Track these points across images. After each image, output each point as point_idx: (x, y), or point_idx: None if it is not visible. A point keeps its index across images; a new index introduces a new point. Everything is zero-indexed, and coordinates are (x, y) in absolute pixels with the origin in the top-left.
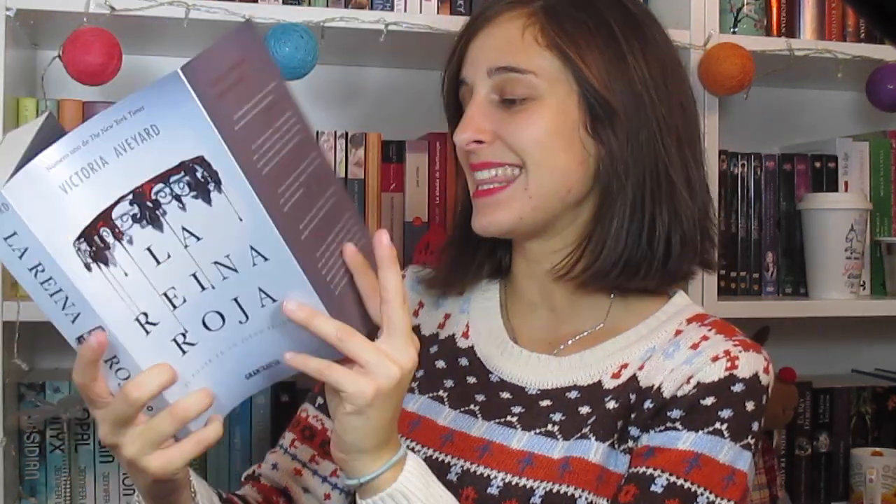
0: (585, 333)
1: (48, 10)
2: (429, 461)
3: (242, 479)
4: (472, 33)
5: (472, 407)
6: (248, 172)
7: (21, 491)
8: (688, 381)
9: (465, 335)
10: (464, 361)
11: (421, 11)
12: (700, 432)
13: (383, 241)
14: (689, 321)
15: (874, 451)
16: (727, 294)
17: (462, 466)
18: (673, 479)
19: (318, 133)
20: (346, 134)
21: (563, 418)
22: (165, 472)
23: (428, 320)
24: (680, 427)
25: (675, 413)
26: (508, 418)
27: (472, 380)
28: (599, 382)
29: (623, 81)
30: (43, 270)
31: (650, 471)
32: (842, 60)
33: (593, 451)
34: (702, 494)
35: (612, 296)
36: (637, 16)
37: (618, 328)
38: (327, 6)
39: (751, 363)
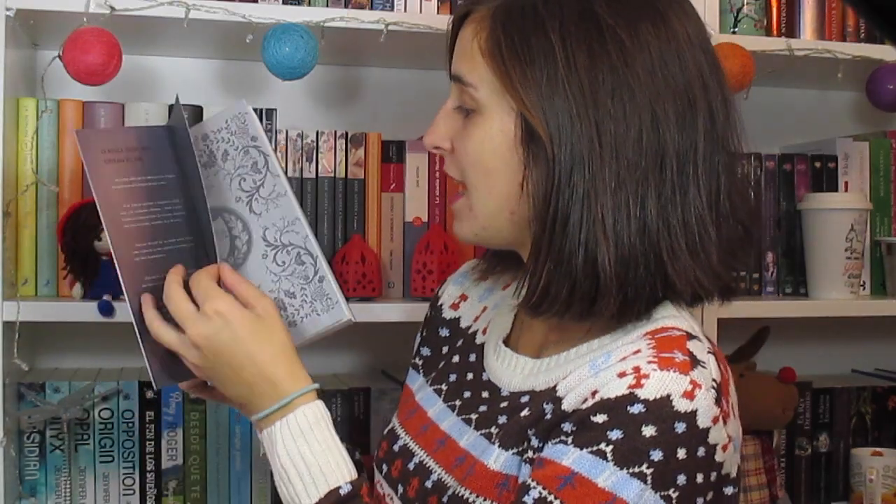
0: (567, 340)
1: (48, 10)
2: (403, 449)
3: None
4: (456, 32)
5: (455, 402)
6: (110, 220)
7: (21, 491)
8: (592, 395)
9: (484, 331)
10: (472, 357)
11: (421, 11)
12: (584, 450)
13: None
14: (647, 334)
15: (874, 451)
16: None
17: (420, 457)
18: (545, 493)
19: (318, 133)
20: (346, 134)
21: (506, 422)
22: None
23: (467, 312)
24: (569, 442)
25: (567, 427)
26: (471, 415)
27: (469, 376)
28: (554, 388)
29: (559, 101)
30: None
31: (529, 481)
32: (842, 60)
33: (493, 458)
34: None
35: None
36: (601, 21)
37: (589, 336)
38: (327, 6)
39: (664, 384)
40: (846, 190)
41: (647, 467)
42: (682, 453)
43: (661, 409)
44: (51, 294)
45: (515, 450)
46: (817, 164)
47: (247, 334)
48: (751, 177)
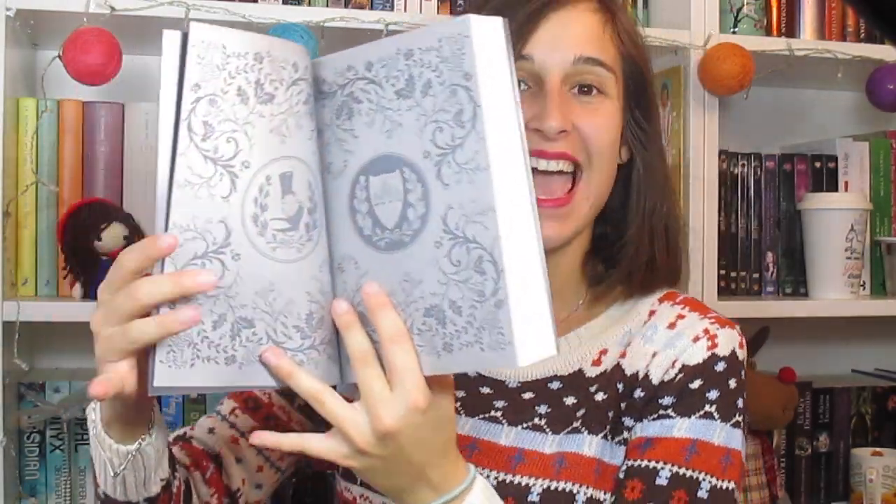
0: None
1: (48, 10)
2: None
3: (171, 439)
4: (547, 11)
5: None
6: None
7: (21, 491)
8: (672, 365)
9: None
10: None
11: (421, 11)
12: (692, 417)
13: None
14: (661, 300)
15: (874, 451)
16: (727, 294)
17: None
18: (675, 469)
19: None
20: None
21: (549, 410)
22: (111, 345)
23: None
24: (673, 414)
25: (667, 400)
26: (493, 413)
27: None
28: (580, 371)
29: (651, 91)
30: None
31: (652, 463)
32: (842, 60)
33: (587, 444)
34: (704, 480)
35: (588, 284)
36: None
37: (591, 313)
38: (327, 6)
39: (729, 340)
40: (846, 190)
41: (738, 414)
42: (743, 394)
43: (734, 362)
44: (51, 294)
45: (601, 434)
46: (817, 164)
47: (429, 432)
48: (751, 177)
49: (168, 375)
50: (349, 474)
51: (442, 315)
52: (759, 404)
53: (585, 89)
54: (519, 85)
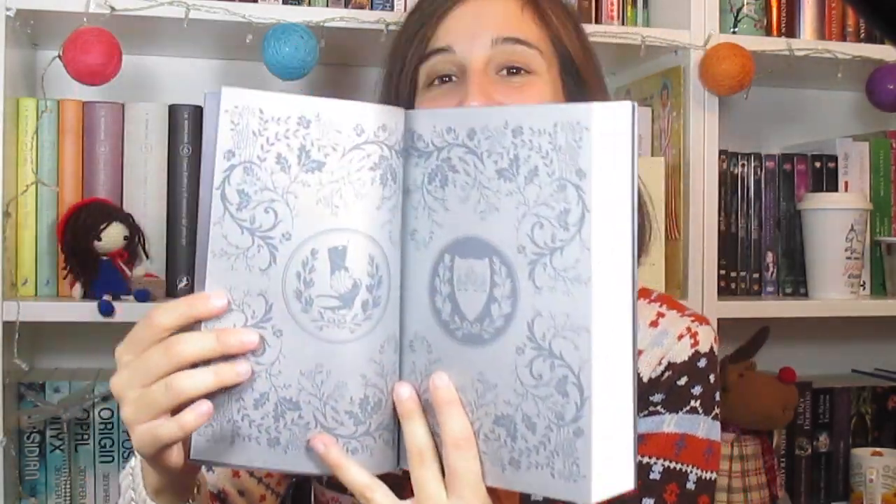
0: None
1: (48, 10)
2: None
3: None
4: (453, 2)
5: None
6: None
7: (21, 491)
8: (660, 363)
9: None
10: None
11: None
12: (680, 413)
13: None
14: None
15: (874, 451)
16: (727, 294)
17: None
18: (667, 463)
19: None
20: None
21: None
22: (141, 445)
23: None
24: (662, 410)
25: (657, 397)
26: None
27: None
28: None
29: (591, 68)
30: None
31: (646, 459)
32: (842, 60)
33: None
34: (691, 472)
35: None
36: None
37: None
38: (327, 6)
39: (707, 336)
40: (846, 190)
41: (717, 406)
42: (719, 386)
43: (712, 358)
44: (51, 294)
45: None
46: (817, 164)
47: None
48: (751, 177)
49: (206, 450)
50: (334, 483)
51: (513, 427)
52: (759, 404)
53: (513, 70)
54: (449, 78)
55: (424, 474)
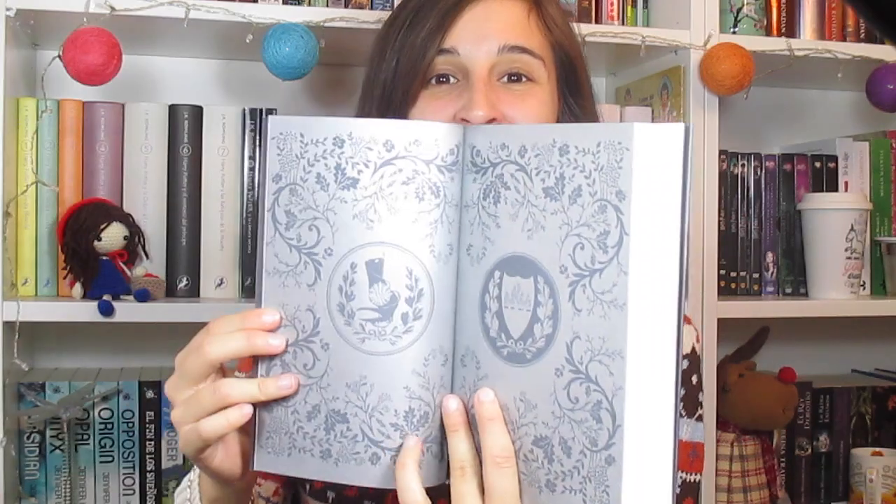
0: None
1: (48, 10)
2: None
3: None
4: (466, 3)
5: None
6: None
7: (21, 491)
8: None
9: None
10: None
11: None
12: None
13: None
14: None
15: (874, 451)
16: (727, 294)
17: None
18: None
19: None
20: None
21: None
22: (186, 443)
23: None
24: None
25: None
26: None
27: None
28: None
29: (585, 74)
30: None
31: None
32: (842, 60)
33: None
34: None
35: None
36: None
37: None
38: (327, 6)
39: (688, 336)
40: (846, 190)
41: (700, 407)
42: (703, 387)
43: (695, 359)
44: (51, 294)
45: None
46: (817, 164)
47: None
48: (751, 177)
49: (267, 461)
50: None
51: (550, 450)
52: (759, 404)
53: (515, 78)
54: (447, 79)
55: (464, 489)
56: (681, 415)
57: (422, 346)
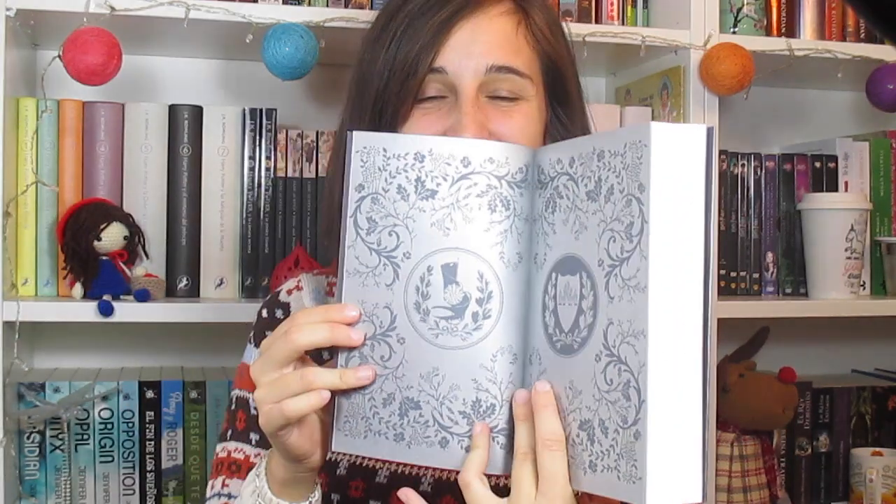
0: None
1: (48, 10)
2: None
3: None
4: (457, 19)
5: None
6: None
7: (21, 491)
8: None
9: None
10: None
11: None
12: None
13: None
14: None
15: (874, 451)
16: (727, 294)
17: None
18: None
19: (318, 133)
20: None
21: None
22: (268, 420)
23: None
24: None
25: None
26: None
27: None
28: None
29: (574, 80)
30: None
31: None
32: (842, 60)
33: None
34: None
35: None
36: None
37: None
38: (327, 6)
39: None
40: (846, 190)
41: None
42: None
43: None
44: (51, 294)
45: None
46: (817, 164)
47: None
48: (751, 177)
49: (344, 442)
50: None
51: (592, 432)
52: (759, 404)
53: (502, 98)
54: (436, 98)
55: (523, 473)
56: None
57: (490, 344)
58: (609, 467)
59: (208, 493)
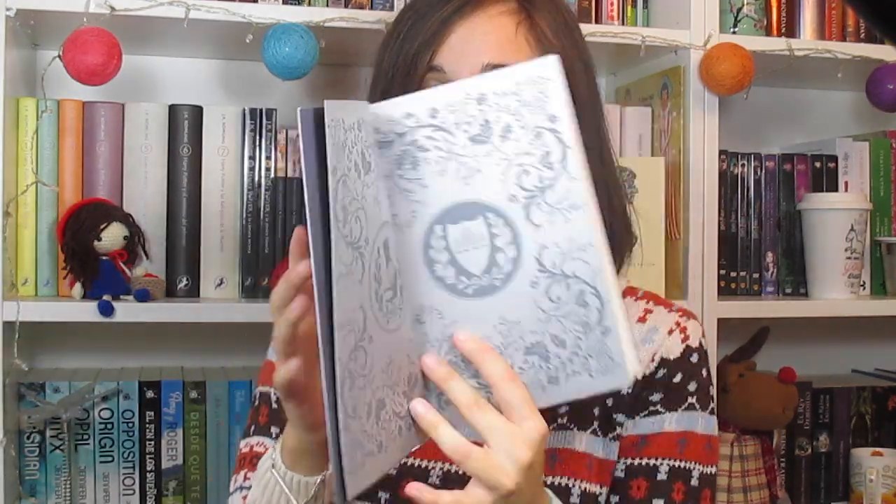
0: None
1: (48, 10)
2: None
3: None
4: (456, 18)
5: None
6: None
7: (21, 491)
8: (652, 360)
9: None
10: None
11: None
12: (679, 410)
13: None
14: (624, 296)
15: (874, 451)
16: (727, 294)
17: (442, 468)
18: (672, 462)
19: None
20: None
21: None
22: (276, 376)
23: None
24: (662, 409)
25: (655, 396)
26: None
27: None
28: None
29: (584, 81)
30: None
31: (652, 461)
32: (842, 60)
33: (577, 440)
34: (695, 469)
35: None
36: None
37: None
38: (327, 6)
39: (696, 331)
40: (846, 190)
41: (712, 401)
42: (713, 381)
43: (703, 352)
44: (51, 294)
45: (589, 429)
46: (817, 164)
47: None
48: (751, 177)
49: (354, 484)
50: None
51: (545, 351)
52: (759, 404)
53: None
54: None
55: (489, 416)
56: (695, 408)
57: (407, 313)
58: (576, 371)
59: (231, 487)
